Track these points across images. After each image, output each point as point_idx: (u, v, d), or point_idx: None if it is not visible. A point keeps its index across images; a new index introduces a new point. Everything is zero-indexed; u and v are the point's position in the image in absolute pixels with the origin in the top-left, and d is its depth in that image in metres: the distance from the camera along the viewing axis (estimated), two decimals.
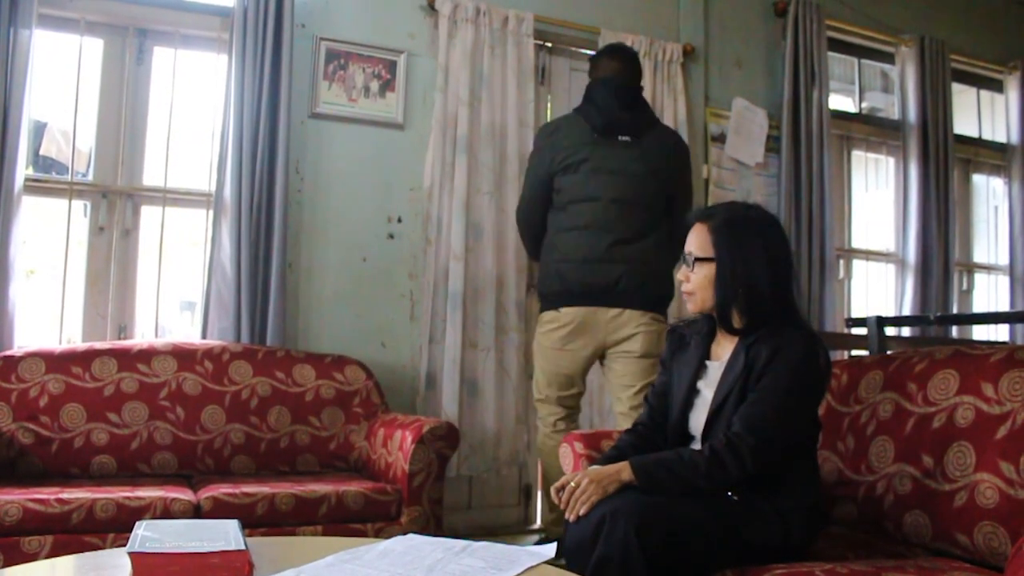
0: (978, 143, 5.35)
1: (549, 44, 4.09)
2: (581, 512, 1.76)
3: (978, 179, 5.47)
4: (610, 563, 1.65)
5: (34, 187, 3.28)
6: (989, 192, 5.52)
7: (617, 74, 3.24)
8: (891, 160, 5.03)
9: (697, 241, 1.97)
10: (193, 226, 3.62)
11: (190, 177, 3.59)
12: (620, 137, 3.17)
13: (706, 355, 2.03)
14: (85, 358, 2.98)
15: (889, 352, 2.64)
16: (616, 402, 3.24)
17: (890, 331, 3.50)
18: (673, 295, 3.22)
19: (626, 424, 3.01)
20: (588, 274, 3.10)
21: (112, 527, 2.35)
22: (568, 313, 3.14)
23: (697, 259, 1.96)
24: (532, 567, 1.57)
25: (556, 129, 3.26)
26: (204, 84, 3.58)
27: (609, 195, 3.11)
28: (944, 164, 4.82)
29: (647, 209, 3.16)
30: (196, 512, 2.47)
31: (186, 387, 3.04)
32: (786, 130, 4.40)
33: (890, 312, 4.80)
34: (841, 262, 4.80)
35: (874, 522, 2.07)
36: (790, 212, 4.36)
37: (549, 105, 4.09)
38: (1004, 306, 5.22)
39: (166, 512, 2.41)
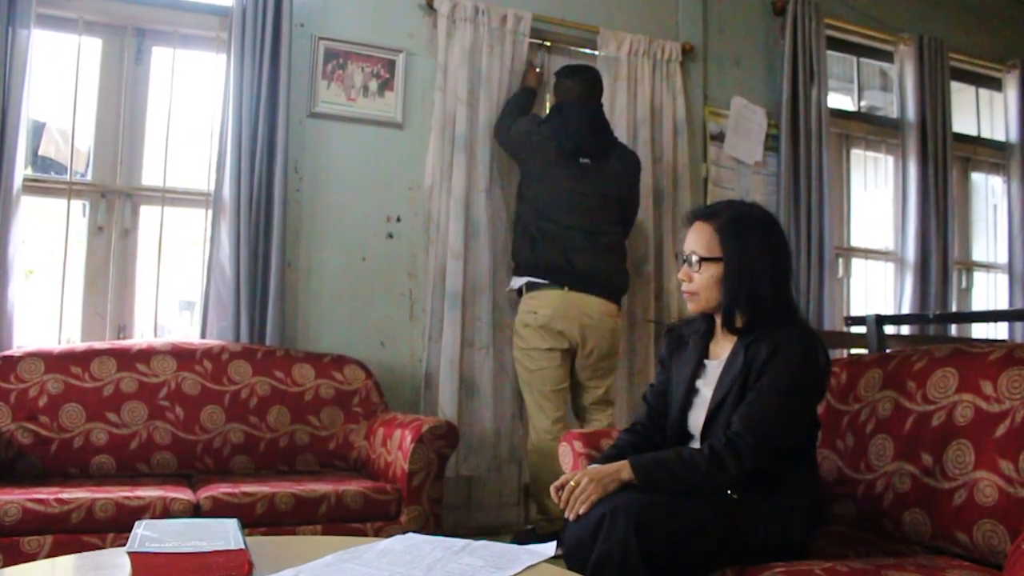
0: (977, 141, 5.35)
1: (548, 43, 4.09)
2: (581, 511, 1.76)
3: (977, 177, 5.47)
4: (610, 562, 1.65)
5: (33, 187, 3.28)
6: (988, 190, 5.52)
7: (587, 96, 3.52)
8: (890, 159, 5.03)
9: (702, 240, 1.95)
10: (192, 226, 3.62)
11: (189, 177, 3.59)
12: (581, 160, 3.45)
13: (704, 354, 2.02)
14: (84, 358, 2.97)
15: (888, 350, 2.64)
16: (583, 397, 3.51)
17: (889, 329, 3.50)
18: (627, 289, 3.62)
19: (593, 416, 3.41)
20: (562, 254, 3.35)
21: (111, 527, 2.35)
22: (546, 302, 3.34)
23: (703, 259, 1.93)
24: (532, 566, 1.57)
25: (534, 133, 3.49)
26: (203, 84, 3.58)
27: (573, 208, 3.40)
28: (943, 162, 4.82)
29: (606, 218, 3.49)
30: (195, 511, 2.47)
31: (185, 387, 3.04)
32: (785, 129, 4.40)
33: (889, 310, 4.80)
34: (840, 260, 4.80)
35: (873, 520, 2.07)
36: (789, 211, 4.37)
37: (548, 104, 4.09)
38: (1003, 304, 5.22)
39: (165, 512, 2.41)
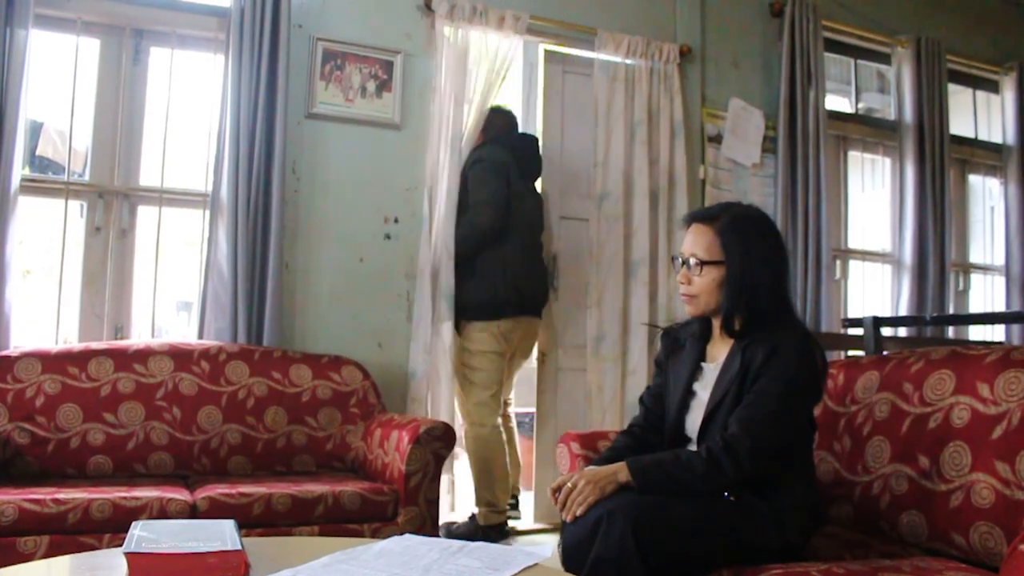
0: (974, 144, 5.36)
1: (546, 44, 4.09)
2: (578, 512, 1.76)
3: (974, 179, 5.48)
4: (607, 563, 1.65)
5: (30, 187, 3.28)
6: (985, 192, 5.53)
7: (516, 128, 3.82)
8: (887, 160, 5.04)
9: (702, 243, 1.93)
10: (189, 226, 3.63)
11: (187, 177, 3.59)
12: (529, 182, 3.75)
13: (701, 357, 2.02)
14: (81, 358, 2.97)
15: (885, 352, 2.64)
16: (504, 391, 3.78)
17: (886, 331, 3.51)
18: None
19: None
20: (531, 287, 3.63)
21: (108, 527, 2.35)
22: (506, 322, 3.56)
23: (704, 262, 1.92)
24: (528, 567, 1.57)
25: (506, 161, 3.59)
26: (201, 84, 3.58)
27: (531, 225, 3.69)
28: (940, 165, 4.83)
29: (541, 238, 3.83)
30: (192, 512, 2.46)
31: (183, 387, 3.03)
32: (782, 130, 4.41)
33: (886, 312, 4.81)
34: (837, 262, 4.81)
35: (870, 522, 2.08)
36: (786, 213, 4.37)
37: (540, 104, 4.10)
38: (1000, 306, 5.23)
39: (162, 512, 2.41)
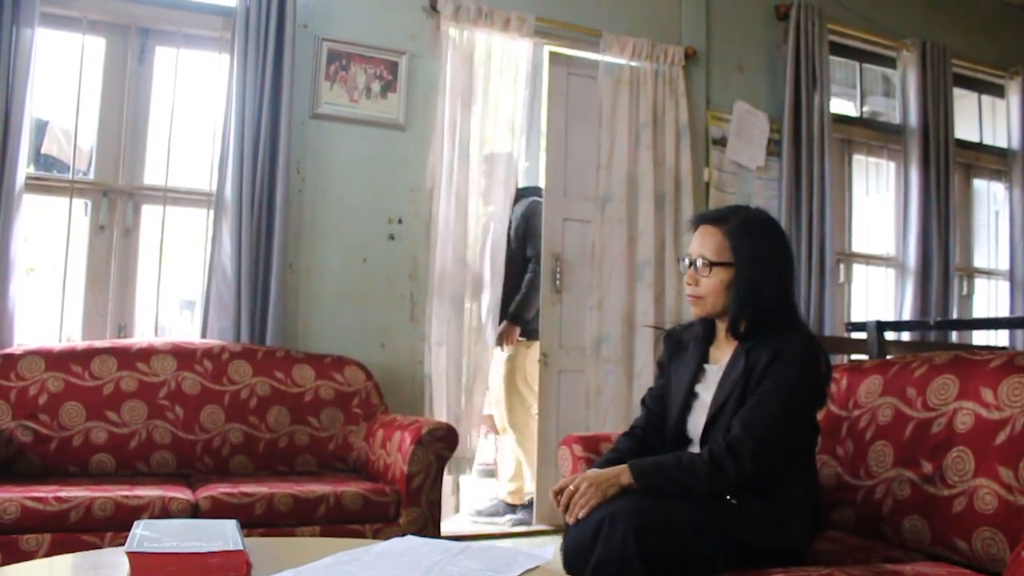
0: (979, 148, 5.35)
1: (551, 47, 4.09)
2: (580, 515, 1.75)
3: (979, 184, 5.47)
4: (609, 566, 1.65)
5: (35, 185, 3.28)
6: (990, 197, 5.52)
7: None
8: (892, 164, 5.03)
9: (711, 245, 1.93)
10: (194, 225, 3.63)
11: (191, 176, 3.59)
12: None
13: (704, 359, 2.02)
14: (85, 356, 2.97)
15: (889, 357, 2.64)
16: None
17: (890, 335, 3.50)
18: None
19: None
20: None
21: (110, 526, 2.35)
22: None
23: (713, 264, 1.92)
24: (530, 569, 1.56)
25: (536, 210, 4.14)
26: (206, 84, 3.58)
27: None
28: (945, 169, 4.82)
29: None
30: (194, 512, 2.47)
31: (185, 386, 3.04)
32: (787, 134, 4.40)
33: (890, 316, 4.80)
34: (841, 266, 4.80)
35: (872, 527, 2.07)
36: (791, 216, 4.37)
37: (544, 106, 4.10)
38: (1004, 311, 5.22)
39: (164, 511, 2.41)
